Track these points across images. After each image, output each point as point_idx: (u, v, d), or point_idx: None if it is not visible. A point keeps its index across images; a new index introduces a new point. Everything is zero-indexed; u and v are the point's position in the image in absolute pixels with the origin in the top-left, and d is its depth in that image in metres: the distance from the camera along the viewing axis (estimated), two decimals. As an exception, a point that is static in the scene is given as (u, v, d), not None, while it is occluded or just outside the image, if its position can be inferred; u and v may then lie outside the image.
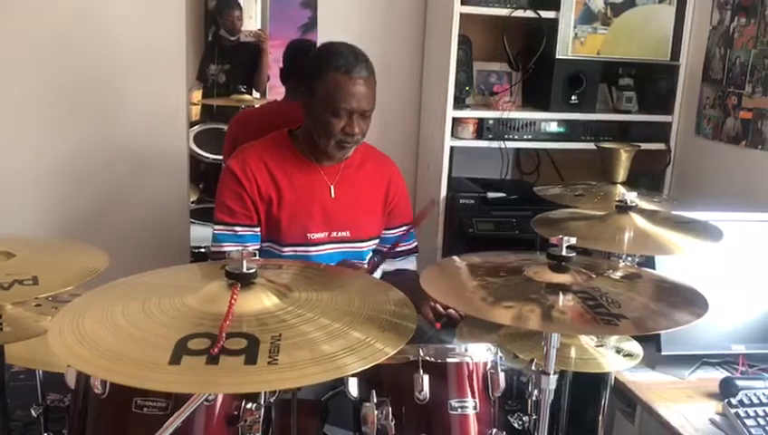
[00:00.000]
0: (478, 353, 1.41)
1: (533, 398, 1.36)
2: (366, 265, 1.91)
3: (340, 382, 1.33)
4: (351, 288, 1.28)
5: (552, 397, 1.31)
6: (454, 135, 2.57)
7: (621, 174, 2.10)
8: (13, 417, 1.53)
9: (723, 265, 1.80)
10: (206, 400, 1.19)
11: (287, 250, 1.85)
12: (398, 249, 1.98)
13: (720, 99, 2.49)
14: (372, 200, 1.93)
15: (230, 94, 2.81)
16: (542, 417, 1.32)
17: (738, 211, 1.96)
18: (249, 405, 1.20)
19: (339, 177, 1.88)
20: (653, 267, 1.72)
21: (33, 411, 1.39)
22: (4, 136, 2.58)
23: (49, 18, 2.54)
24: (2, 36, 2.51)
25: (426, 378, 1.33)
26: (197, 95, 2.80)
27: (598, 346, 1.55)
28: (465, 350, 1.41)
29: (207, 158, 2.81)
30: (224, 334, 0.99)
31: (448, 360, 1.39)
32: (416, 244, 2.04)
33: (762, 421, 1.51)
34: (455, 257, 1.49)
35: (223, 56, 2.81)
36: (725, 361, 1.82)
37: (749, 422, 1.51)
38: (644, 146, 2.39)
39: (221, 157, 2.53)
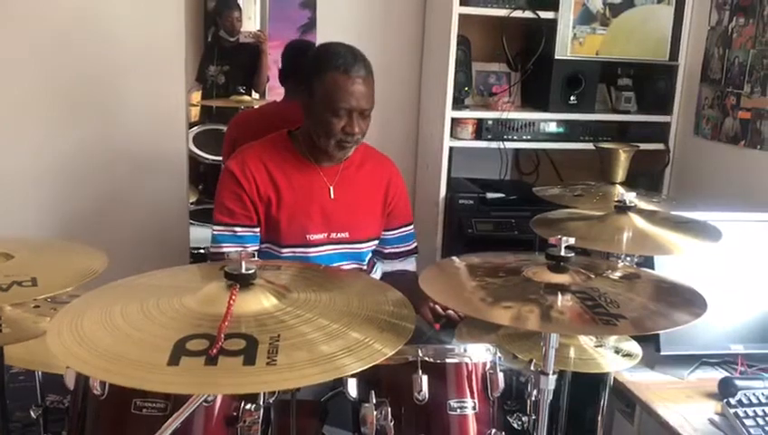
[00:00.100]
0: (477, 354, 1.41)
1: (532, 398, 1.36)
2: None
3: (340, 383, 1.33)
4: (350, 289, 1.28)
5: (551, 397, 1.31)
6: (453, 135, 2.57)
7: (620, 174, 2.11)
8: (12, 418, 1.53)
9: (722, 266, 1.80)
10: (205, 400, 1.20)
11: (286, 251, 1.84)
12: (398, 250, 1.98)
13: (719, 99, 2.49)
14: (372, 201, 1.93)
15: (229, 95, 2.81)
16: (541, 417, 1.32)
17: (737, 211, 1.96)
18: (248, 406, 1.21)
19: (338, 177, 1.87)
20: (652, 267, 1.72)
21: (32, 413, 1.39)
22: (4, 136, 2.58)
23: (49, 18, 2.54)
24: (2, 36, 2.51)
25: (425, 378, 1.33)
26: (197, 96, 2.79)
27: (597, 346, 1.55)
28: (465, 350, 1.42)
29: (207, 159, 2.80)
30: (222, 335, 1.00)
31: (447, 360, 1.40)
32: (415, 245, 2.04)
33: (761, 421, 1.51)
34: (454, 258, 1.49)
35: (222, 57, 2.80)
36: (724, 361, 1.82)
37: (748, 422, 1.51)
38: (643, 146, 2.40)
39: (220, 158, 2.52)
